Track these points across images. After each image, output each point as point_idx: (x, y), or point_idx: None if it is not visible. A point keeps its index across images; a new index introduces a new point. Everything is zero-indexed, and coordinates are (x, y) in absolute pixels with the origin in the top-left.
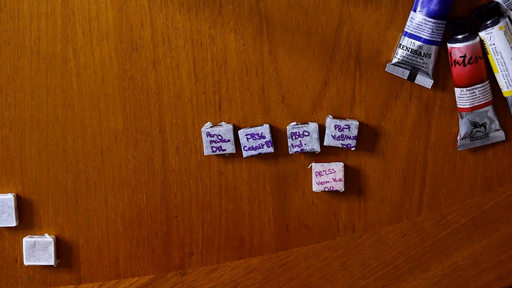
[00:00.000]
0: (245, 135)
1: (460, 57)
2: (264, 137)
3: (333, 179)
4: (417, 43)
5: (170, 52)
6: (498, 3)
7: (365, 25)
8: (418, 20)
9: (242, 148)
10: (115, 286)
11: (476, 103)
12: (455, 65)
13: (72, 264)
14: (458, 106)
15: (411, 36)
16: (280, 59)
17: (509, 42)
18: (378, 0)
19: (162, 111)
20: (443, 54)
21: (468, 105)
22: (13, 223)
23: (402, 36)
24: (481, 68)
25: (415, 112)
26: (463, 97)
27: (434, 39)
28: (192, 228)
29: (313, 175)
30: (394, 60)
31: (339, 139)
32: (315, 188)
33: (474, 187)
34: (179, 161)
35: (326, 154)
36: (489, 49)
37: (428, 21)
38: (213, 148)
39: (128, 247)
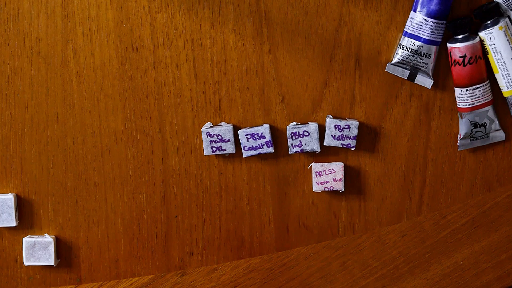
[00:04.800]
0: (245, 135)
1: (460, 57)
2: (264, 137)
3: (333, 179)
4: (417, 43)
5: (170, 52)
6: (498, 3)
7: (365, 25)
8: (418, 20)
9: (242, 148)
10: (115, 286)
11: (476, 103)
12: (455, 65)
13: (72, 264)
14: (458, 106)
15: (411, 36)
16: (280, 59)
17: (509, 42)
18: (378, 0)
19: (162, 111)
20: (443, 54)
21: (468, 105)
22: (13, 223)
23: (402, 36)
24: (481, 68)
25: (415, 112)
26: (463, 97)
27: (434, 39)
28: (192, 228)
29: (313, 175)
30: (394, 60)
31: (339, 139)
32: (315, 188)
33: (474, 187)
34: (179, 161)
35: (326, 154)
36: (489, 49)
37: (428, 21)
38: (213, 148)
39: (128, 247)
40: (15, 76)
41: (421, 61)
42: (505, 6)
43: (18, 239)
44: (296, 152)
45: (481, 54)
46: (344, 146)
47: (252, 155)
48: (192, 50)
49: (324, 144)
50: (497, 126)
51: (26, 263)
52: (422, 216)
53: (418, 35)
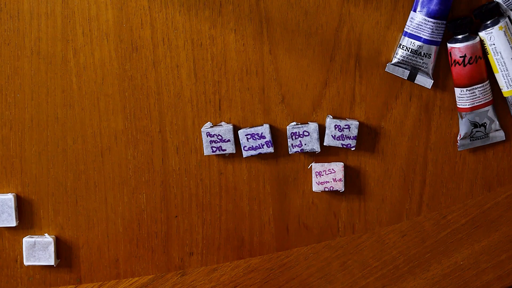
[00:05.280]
0: (245, 135)
1: (460, 57)
2: (264, 137)
3: (333, 179)
4: (417, 43)
5: (170, 52)
6: (498, 3)
7: (365, 25)
8: (418, 20)
9: (242, 148)
10: (115, 286)
11: (476, 103)
12: (455, 65)
13: (72, 264)
14: (458, 106)
15: (411, 36)
16: (280, 59)
17: (509, 42)
18: (378, 0)
19: (162, 111)
20: (443, 54)
21: (468, 105)
22: (13, 223)
23: (402, 36)
24: (481, 68)
25: (415, 112)
26: (463, 97)
27: (434, 39)
28: (192, 228)
29: (313, 175)
30: (394, 60)
31: (339, 139)
32: (315, 188)
33: (474, 187)
34: (179, 161)
35: (326, 154)
36: (489, 49)
37: (428, 21)
38: (213, 148)
39: (128, 247)
40: (15, 76)
41: (421, 61)
42: (505, 6)
43: (18, 239)
44: (296, 152)
45: (481, 54)
46: (344, 146)
47: (252, 155)
48: (192, 50)
49: (324, 144)
50: (497, 126)
51: (26, 263)
52: (422, 216)
53: (418, 35)
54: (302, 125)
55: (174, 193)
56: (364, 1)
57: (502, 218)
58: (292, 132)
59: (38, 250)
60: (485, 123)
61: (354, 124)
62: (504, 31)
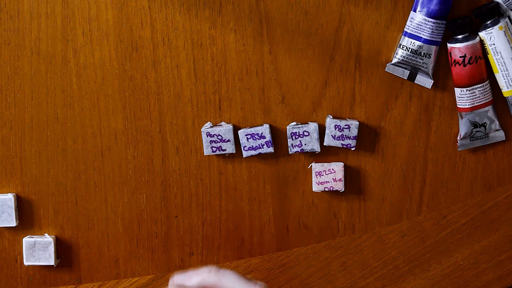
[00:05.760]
0: (245, 135)
1: (460, 57)
2: (264, 137)
3: (333, 179)
4: (417, 43)
5: (170, 52)
6: (498, 3)
7: (365, 25)
8: (418, 20)
9: (242, 148)
10: (115, 286)
11: (476, 103)
12: (455, 65)
13: (72, 264)
14: (458, 106)
15: (411, 36)
16: (280, 59)
17: (509, 42)
18: (378, 0)
19: (162, 111)
20: (443, 54)
21: (468, 105)
22: (13, 223)
23: (402, 36)
24: (481, 68)
25: (415, 112)
26: (463, 97)
27: (434, 39)
28: (192, 228)
29: (313, 175)
30: (394, 60)
31: (339, 139)
32: (315, 188)
33: (474, 187)
34: (179, 161)
35: (326, 154)
36: (489, 49)
37: (428, 21)
38: (213, 148)
39: (128, 247)
40: (15, 76)
41: (421, 61)
42: (505, 6)
43: (18, 239)
44: (296, 152)
45: (481, 54)
46: (344, 146)
47: (252, 155)
48: (192, 50)
49: (324, 144)
50: (497, 126)
51: (26, 263)
52: (422, 216)
53: (418, 35)
54: (302, 125)
55: (174, 193)
56: (364, 1)
57: (502, 218)
58: (292, 132)
59: (38, 250)
60: (485, 123)
61: (354, 124)
62: (504, 31)
